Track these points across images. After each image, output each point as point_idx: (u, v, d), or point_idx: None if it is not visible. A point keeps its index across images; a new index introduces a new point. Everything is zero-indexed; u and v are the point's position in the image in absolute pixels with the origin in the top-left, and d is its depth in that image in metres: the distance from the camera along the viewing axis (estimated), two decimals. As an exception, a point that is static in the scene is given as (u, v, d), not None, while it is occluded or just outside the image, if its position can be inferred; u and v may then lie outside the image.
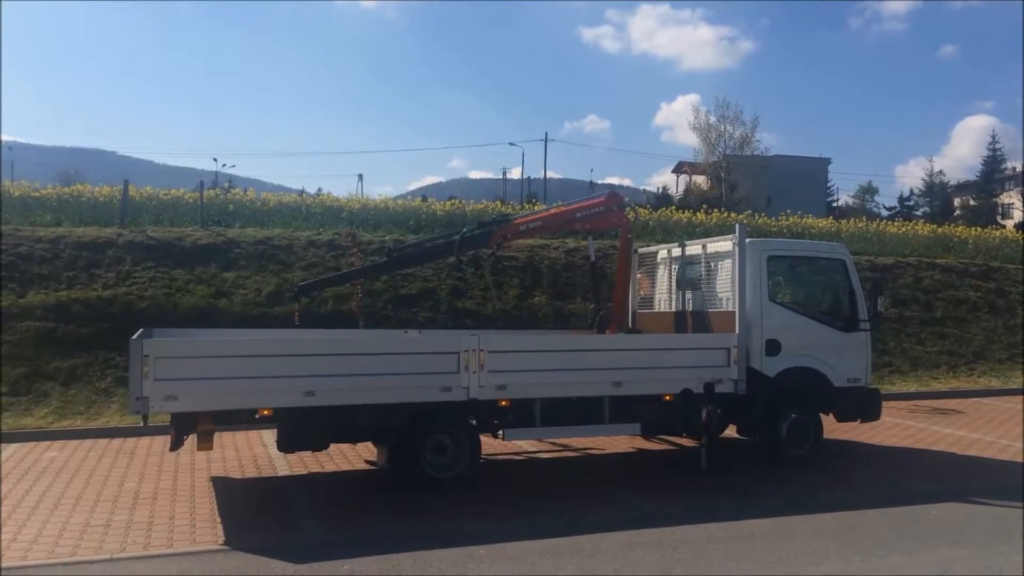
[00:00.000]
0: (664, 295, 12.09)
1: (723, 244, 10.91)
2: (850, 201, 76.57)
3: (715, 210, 29.10)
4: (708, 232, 21.86)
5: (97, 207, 19.70)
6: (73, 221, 18.44)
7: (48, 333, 14.12)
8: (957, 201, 71.28)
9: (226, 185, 37.19)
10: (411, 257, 12.53)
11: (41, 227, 17.45)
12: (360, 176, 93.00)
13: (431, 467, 8.84)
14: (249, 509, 8.28)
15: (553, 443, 11.38)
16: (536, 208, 18.46)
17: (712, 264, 11.10)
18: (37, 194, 19.94)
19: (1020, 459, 10.94)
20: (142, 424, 8.60)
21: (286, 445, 8.72)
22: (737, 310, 10.16)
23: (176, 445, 8.45)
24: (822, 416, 10.71)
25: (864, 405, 10.92)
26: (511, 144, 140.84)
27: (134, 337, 8.13)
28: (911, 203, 73.12)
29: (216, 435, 8.74)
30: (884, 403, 11.54)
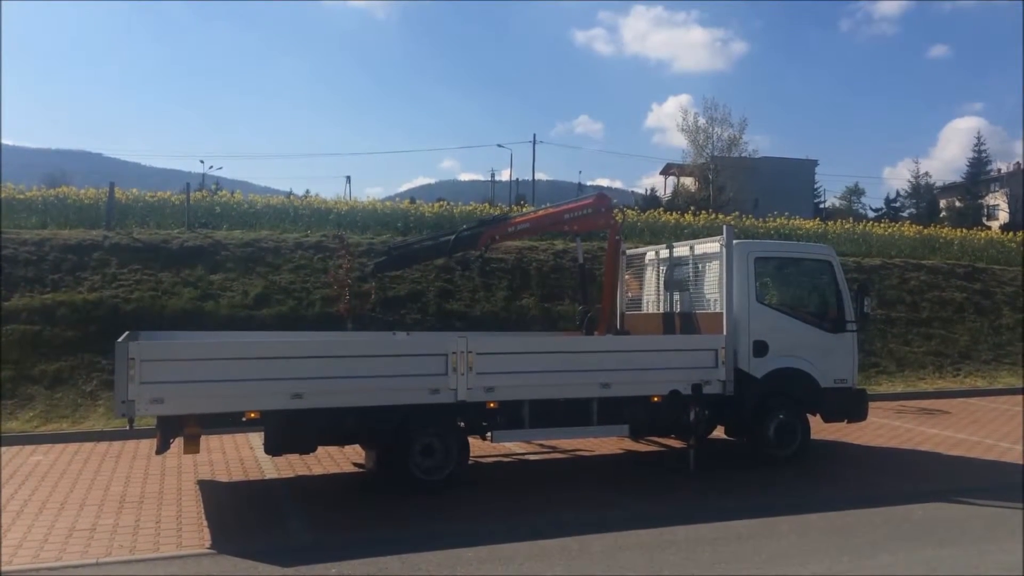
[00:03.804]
0: (652, 296, 12.11)
1: (711, 245, 10.95)
2: (837, 203, 77.05)
3: (703, 212, 29.22)
4: (696, 234, 21.93)
5: (83, 209, 19.59)
6: (58, 223, 18.34)
7: (33, 336, 14.03)
8: (943, 202, 71.83)
9: (213, 187, 36.90)
10: (403, 257, 12.36)
11: (26, 229, 17.34)
12: (348, 178, 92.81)
13: (419, 469, 8.82)
14: (236, 512, 8.25)
15: (541, 445, 11.37)
16: (525, 210, 18.46)
17: (700, 265, 11.13)
18: (22, 196, 19.81)
19: (1006, 459, 11.01)
20: (128, 427, 8.57)
21: (273, 448, 8.69)
22: (725, 311, 10.19)
23: (162, 448, 8.39)
24: (809, 417, 10.75)
25: (851, 405, 10.97)
26: (499, 146, 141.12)
27: (120, 340, 8.08)
28: (897, 204, 73.61)
29: (203, 438, 8.71)
30: (871, 404, 11.60)
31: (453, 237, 11.38)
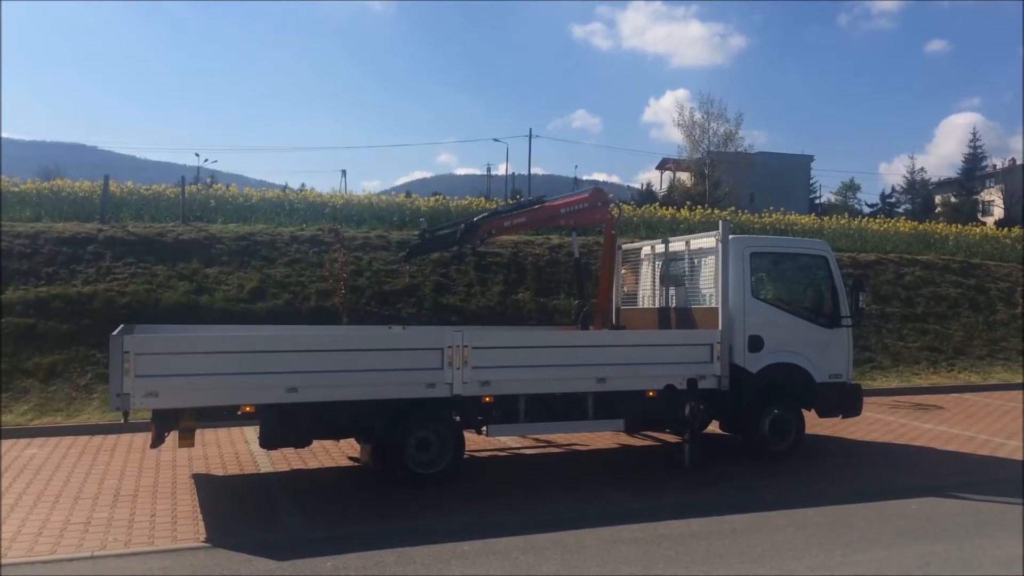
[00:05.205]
0: (648, 291, 12.12)
1: (706, 240, 10.95)
2: (833, 198, 77.03)
3: (699, 207, 29.22)
4: (692, 229, 21.91)
5: (77, 202, 19.52)
6: (53, 216, 18.28)
7: (28, 329, 13.98)
8: (938, 198, 71.91)
9: (208, 180, 36.92)
10: (425, 245, 12.22)
11: (20, 222, 17.28)
12: (344, 172, 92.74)
13: (415, 463, 8.82)
14: (231, 506, 8.24)
15: (537, 439, 11.39)
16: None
17: (695, 260, 11.13)
18: (16, 189, 19.72)
19: (1000, 454, 11.04)
20: (123, 421, 8.55)
21: (269, 442, 8.69)
22: (720, 306, 10.20)
23: (157, 442, 8.39)
24: (804, 412, 10.77)
25: (846, 401, 11.00)
26: (495, 140, 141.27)
27: (114, 333, 8.07)
28: (893, 200, 73.68)
29: (198, 432, 8.71)
30: (865, 399, 11.64)
31: (459, 230, 11.39)
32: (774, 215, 26.98)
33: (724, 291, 10.21)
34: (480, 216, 11.76)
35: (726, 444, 11.32)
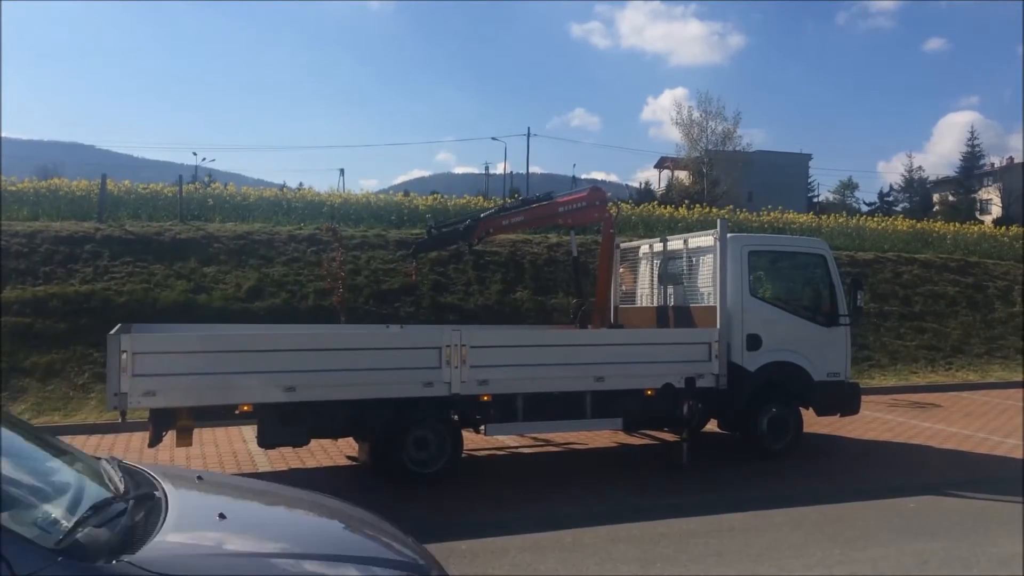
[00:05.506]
0: (646, 290, 12.12)
1: (704, 239, 10.95)
2: (831, 196, 77.09)
3: (697, 205, 29.23)
4: (690, 227, 21.93)
5: (75, 201, 19.49)
6: (50, 215, 18.25)
7: (25, 328, 13.95)
8: (936, 197, 72.02)
9: (206, 179, 36.84)
10: (434, 241, 12.18)
11: (18, 221, 17.25)
12: (342, 170, 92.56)
13: (412, 462, 8.82)
14: (229, 505, 8.21)
15: (535, 438, 11.39)
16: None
17: (694, 259, 11.13)
18: (13, 188, 19.69)
19: (997, 452, 11.06)
20: (120, 420, 8.55)
21: (266, 441, 8.68)
22: (718, 305, 10.20)
23: (155, 441, 8.38)
24: (802, 410, 10.78)
25: (844, 399, 11.00)
26: (494, 139, 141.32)
27: (112, 332, 8.06)
28: (891, 199, 73.81)
29: (196, 431, 8.69)
30: (863, 397, 11.63)
31: (463, 226, 11.41)
32: (772, 214, 26.99)
33: (722, 290, 10.21)
34: (486, 213, 11.80)
35: (724, 443, 11.32)
